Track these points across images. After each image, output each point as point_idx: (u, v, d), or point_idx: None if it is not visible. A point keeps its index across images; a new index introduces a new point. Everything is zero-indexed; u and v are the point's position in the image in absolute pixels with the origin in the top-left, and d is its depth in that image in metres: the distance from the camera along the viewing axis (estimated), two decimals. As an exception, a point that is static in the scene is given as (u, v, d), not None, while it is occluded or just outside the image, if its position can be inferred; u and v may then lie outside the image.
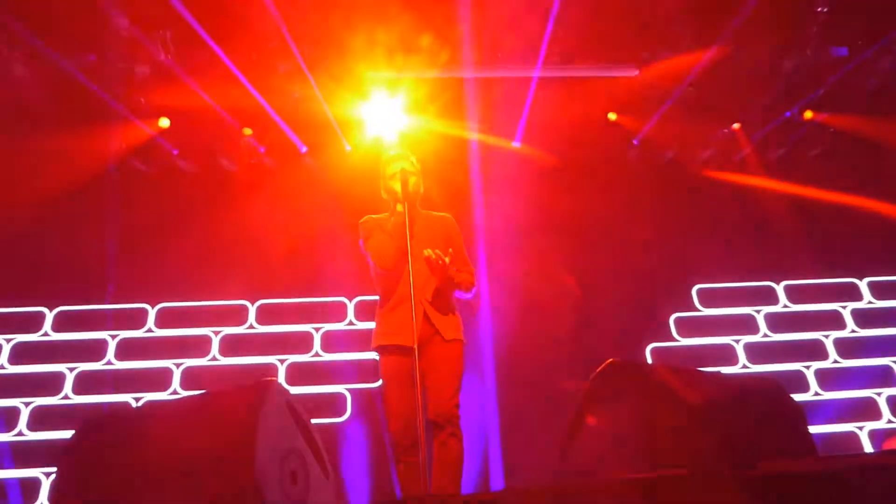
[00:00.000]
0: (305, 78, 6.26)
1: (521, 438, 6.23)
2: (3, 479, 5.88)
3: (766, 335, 6.98)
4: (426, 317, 3.57)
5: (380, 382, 3.76)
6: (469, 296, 3.77)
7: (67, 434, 3.11)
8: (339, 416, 6.31)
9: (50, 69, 6.05)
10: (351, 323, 6.74)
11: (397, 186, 3.67)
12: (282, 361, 6.54)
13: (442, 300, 3.66)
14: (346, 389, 6.42)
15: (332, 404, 6.35)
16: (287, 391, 3.30)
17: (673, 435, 2.71)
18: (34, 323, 6.51)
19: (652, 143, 7.42)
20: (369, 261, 3.75)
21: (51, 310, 6.57)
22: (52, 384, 6.27)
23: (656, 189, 7.37)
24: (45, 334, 6.49)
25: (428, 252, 3.48)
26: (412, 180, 3.67)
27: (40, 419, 6.12)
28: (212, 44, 5.77)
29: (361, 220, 3.84)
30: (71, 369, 6.34)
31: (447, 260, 3.49)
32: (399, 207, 3.61)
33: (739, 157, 7.57)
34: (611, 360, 3.13)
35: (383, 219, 3.80)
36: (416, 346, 3.22)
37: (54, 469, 4.11)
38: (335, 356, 6.59)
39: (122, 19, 5.63)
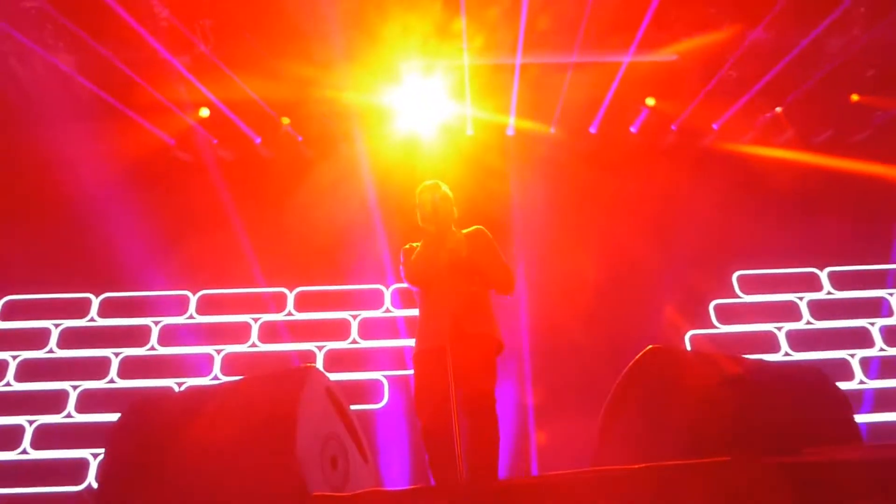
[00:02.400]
0: (341, 67, 6.29)
1: (557, 424, 6.21)
2: (53, 458, 6.06)
3: (809, 322, 6.84)
4: (457, 320, 3.59)
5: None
6: (508, 295, 3.87)
7: (114, 417, 3.19)
8: (377, 402, 6.37)
9: (94, 59, 6.18)
10: (388, 310, 6.78)
11: (427, 211, 3.85)
12: (320, 348, 6.61)
13: (475, 297, 3.72)
14: (383, 376, 6.47)
15: (369, 390, 6.40)
16: (326, 377, 3.34)
17: (714, 422, 2.67)
18: (81, 308, 6.68)
19: (692, 127, 7.30)
20: (405, 282, 3.91)
21: (97, 296, 6.74)
22: (98, 368, 6.43)
23: (696, 174, 7.24)
24: (92, 320, 6.66)
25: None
26: (441, 205, 3.83)
27: (88, 402, 6.30)
28: (249, 34, 5.82)
29: (403, 248, 4.00)
30: (116, 354, 6.50)
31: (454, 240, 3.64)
32: (430, 229, 3.80)
33: (782, 141, 7.40)
34: (650, 346, 3.11)
35: (417, 247, 3.94)
36: (448, 347, 3.26)
37: (102, 450, 4.22)
38: (372, 343, 6.64)
39: (162, 10, 5.71)
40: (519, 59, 6.42)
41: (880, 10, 6.08)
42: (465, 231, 3.98)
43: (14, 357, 6.43)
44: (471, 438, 3.46)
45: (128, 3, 5.60)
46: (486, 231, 3.98)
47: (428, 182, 4.05)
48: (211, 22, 5.94)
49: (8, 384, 6.33)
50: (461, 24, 5.96)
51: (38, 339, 6.52)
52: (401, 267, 3.95)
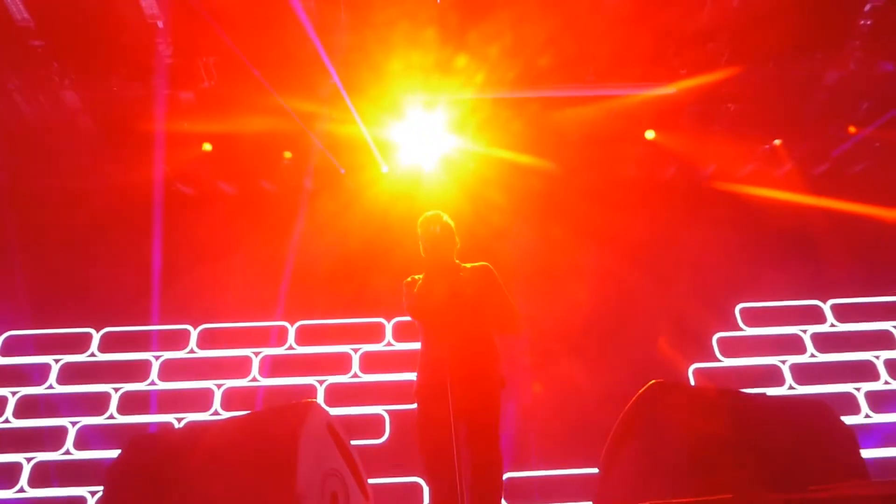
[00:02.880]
0: (343, 100, 6.35)
1: (559, 460, 6.16)
2: (51, 497, 5.99)
3: (813, 355, 6.79)
4: (460, 357, 3.55)
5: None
6: (516, 337, 3.85)
7: (113, 453, 3.17)
8: (378, 437, 6.31)
9: (98, 95, 6.25)
10: (389, 343, 6.76)
11: (429, 242, 3.84)
12: (321, 382, 6.57)
13: (479, 333, 3.71)
14: (385, 411, 6.42)
15: (370, 425, 6.35)
16: (327, 412, 3.32)
17: (717, 458, 2.65)
18: (82, 344, 6.66)
19: (691, 160, 7.34)
20: (408, 315, 3.90)
21: (97, 331, 6.72)
22: (98, 404, 6.39)
23: (696, 206, 7.27)
24: (92, 355, 6.64)
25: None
26: (442, 236, 3.83)
27: (87, 438, 6.24)
28: (253, 69, 5.90)
29: (405, 281, 3.97)
30: (116, 389, 6.46)
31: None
32: (430, 261, 3.79)
33: (781, 173, 7.44)
34: (653, 380, 3.09)
35: (418, 280, 3.92)
36: (448, 382, 3.24)
37: (100, 488, 4.17)
38: (374, 377, 6.60)
39: (166, 47, 5.79)
40: (519, 94, 6.49)
41: (876, 44, 6.15)
42: (470, 265, 3.97)
43: (13, 393, 6.40)
44: (473, 474, 3.44)
45: (132, 41, 5.67)
46: (492, 269, 3.95)
47: (429, 213, 4.04)
48: (214, 59, 6.01)
49: (7, 421, 6.28)
50: (463, 59, 6.03)
51: (37, 374, 6.50)
52: (403, 300, 3.94)
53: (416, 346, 3.94)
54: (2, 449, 6.15)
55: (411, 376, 3.83)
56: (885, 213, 6.96)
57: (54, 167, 6.64)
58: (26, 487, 6.00)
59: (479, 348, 3.70)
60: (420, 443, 3.59)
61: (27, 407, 6.36)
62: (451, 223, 4.02)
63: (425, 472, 3.55)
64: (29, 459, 6.11)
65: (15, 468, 6.06)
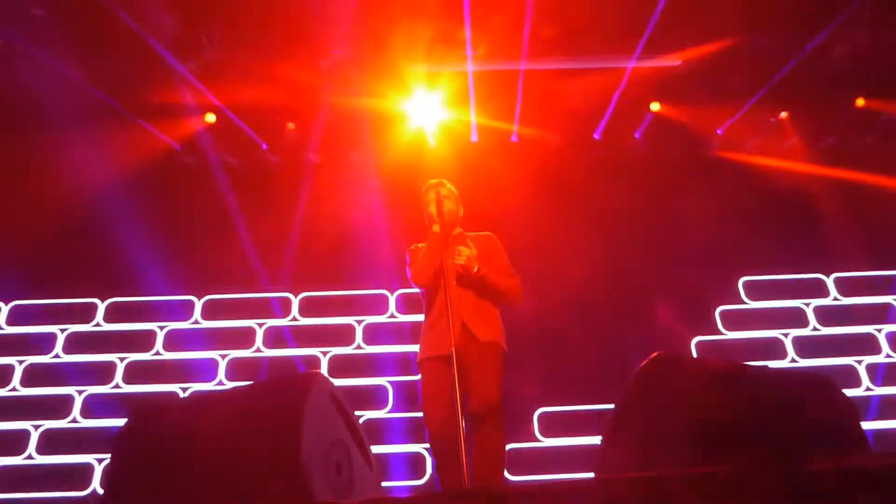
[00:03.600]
0: (347, 73, 6.31)
1: (561, 430, 6.22)
2: (58, 464, 6.08)
3: (815, 328, 6.81)
4: (464, 325, 3.62)
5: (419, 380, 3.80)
6: (517, 305, 3.86)
7: (119, 422, 3.20)
8: (381, 408, 6.36)
9: (100, 65, 6.21)
10: (392, 315, 6.79)
11: (432, 209, 3.83)
12: (324, 353, 6.61)
13: (482, 302, 3.71)
14: (388, 382, 6.46)
15: (374, 396, 6.40)
16: (331, 382, 3.33)
17: (719, 430, 2.66)
18: (87, 313, 6.70)
19: (696, 133, 7.29)
20: (411, 283, 3.87)
21: (102, 301, 6.76)
22: (103, 373, 6.45)
23: (700, 180, 7.24)
24: (98, 325, 6.68)
25: (458, 258, 3.60)
26: (446, 203, 3.83)
27: (93, 407, 6.31)
28: (256, 40, 5.85)
29: (409, 249, 3.97)
30: (121, 359, 6.51)
31: (466, 256, 3.60)
32: (435, 228, 3.75)
33: (787, 146, 7.39)
34: (655, 353, 3.10)
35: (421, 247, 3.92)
36: (453, 351, 3.24)
37: (107, 455, 4.22)
38: (377, 349, 6.64)
39: (169, 17, 5.73)
40: (523, 66, 6.43)
41: (885, 14, 6.06)
42: (473, 234, 3.96)
43: (20, 362, 6.45)
44: (478, 446, 3.46)
45: (135, 11, 5.62)
46: (496, 238, 3.96)
47: (432, 180, 4.03)
48: (217, 28, 5.96)
49: (14, 389, 6.35)
50: (466, 31, 5.97)
51: (44, 343, 6.55)
52: (407, 268, 3.94)
53: (420, 318, 3.96)
54: (10, 417, 6.21)
55: (414, 348, 3.86)
56: (890, 183, 6.93)
57: (58, 138, 6.61)
58: (34, 454, 6.08)
59: (484, 320, 3.71)
60: (424, 411, 3.60)
61: (34, 376, 6.42)
62: (455, 190, 4.02)
63: (429, 441, 3.58)
64: (36, 427, 6.18)
65: (23, 435, 6.13)
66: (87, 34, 5.89)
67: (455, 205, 3.95)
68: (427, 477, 6.05)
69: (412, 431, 6.18)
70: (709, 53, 6.39)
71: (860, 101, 7.00)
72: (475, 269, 3.65)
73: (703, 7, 6.02)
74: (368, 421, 6.24)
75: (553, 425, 6.28)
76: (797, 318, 6.86)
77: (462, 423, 3.13)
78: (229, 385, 6.42)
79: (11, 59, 6.03)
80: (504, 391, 3.61)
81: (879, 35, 6.29)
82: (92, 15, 5.69)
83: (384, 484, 5.88)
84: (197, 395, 6.14)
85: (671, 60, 6.52)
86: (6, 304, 6.70)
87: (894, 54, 6.48)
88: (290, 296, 6.87)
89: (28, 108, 6.55)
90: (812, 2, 5.84)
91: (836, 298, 6.95)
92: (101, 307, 6.74)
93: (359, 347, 6.65)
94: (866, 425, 5.78)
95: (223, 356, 6.58)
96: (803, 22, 6.10)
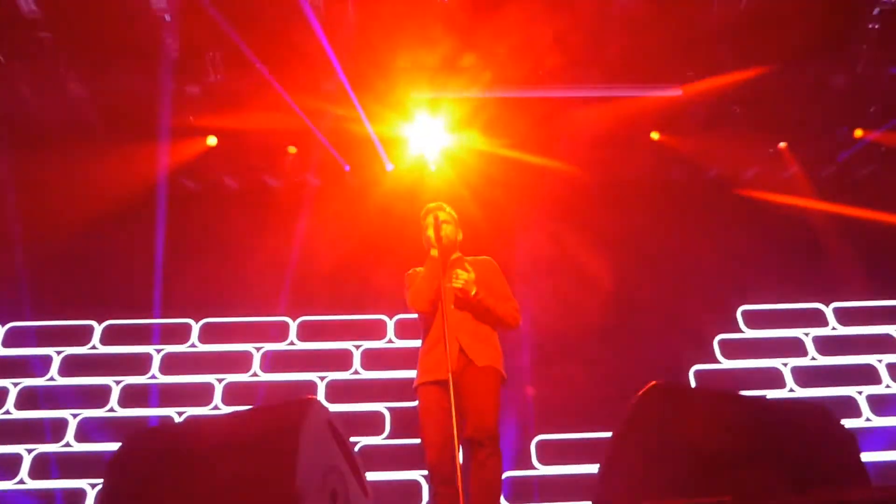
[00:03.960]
0: (349, 97, 6.35)
1: (559, 457, 6.17)
2: (51, 489, 6.01)
3: (814, 358, 6.79)
4: (461, 350, 3.60)
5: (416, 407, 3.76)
6: (514, 329, 3.84)
7: (113, 446, 3.17)
8: (378, 434, 6.32)
9: (104, 88, 6.26)
10: (390, 341, 6.76)
11: (431, 233, 3.82)
12: (321, 378, 6.58)
13: (480, 326, 3.70)
14: (385, 408, 6.42)
15: (370, 422, 6.35)
16: (327, 409, 3.32)
17: (717, 461, 2.64)
18: (83, 336, 6.67)
19: (696, 162, 7.33)
20: (409, 308, 3.86)
21: (99, 323, 6.73)
22: (98, 396, 6.40)
23: (700, 209, 7.27)
24: (94, 347, 6.65)
25: (455, 281, 3.58)
26: (445, 228, 3.82)
27: (87, 431, 6.25)
28: (258, 65, 5.90)
29: (407, 273, 3.96)
30: (117, 382, 6.47)
31: (464, 280, 3.59)
32: (433, 252, 3.73)
33: (786, 176, 7.43)
34: (653, 382, 3.08)
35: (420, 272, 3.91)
36: (450, 376, 3.23)
37: (100, 480, 4.18)
38: (375, 374, 6.61)
39: (173, 41, 5.79)
40: (525, 94, 6.48)
41: (884, 47, 6.13)
42: (472, 258, 3.96)
43: (15, 384, 6.41)
44: (474, 473, 3.42)
45: (138, 35, 5.68)
46: (495, 263, 3.96)
47: (432, 204, 4.04)
48: (220, 54, 6.02)
49: (7, 412, 6.30)
50: (470, 58, 6.03)
51: (39, 366, 6.51)
52: (405, 292, 3.92)
53: (418, 343, 3.94)
54: (3, 440, 6.16)
55: (412, 374, 3.83)
56: (889, 213, 6.95)
57: (58, 159, 6.64)
58: (26, 479, 6.01)
59: (483, 345, 3.69)
60: (422, 437, 3.57)
61: (28, 398, 6.37)
62: (454, 214, 4.02)
63: (427, 468, 3.53)
64: (29, 451, 6.12)
65: (15, 459, 6.07)
66: (92, 57, 5.94)
67: (454, 229, 3.94)
68: (423, 505, 5.99)
69: (409, 458, 6.12)
70: (710, 84, 6.44)
71: (858, 132, 7.04)
72: (473, 293, 3.63)
73: (703, 38, 6.09)
74: (365, 447, 6.19)
75: (551, 453, 6.23)
76: (796, 348, 6.84)
77: (459, 450, 3.10)
78: (226, 410, 6.37)
79: (14, 79, 6.07)
80: (501, 417, 3.58)
81: (878, 66, 6.34)
82: (96, 38, 5.75)
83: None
84: (192, 420, 6.10)
85: (672, 90, 6.57)
86: (2, 326, 6.67)
87: (892, 86, 6.53)
88: (288, 320, 6.85)
89: (29, 128, 6.59)
90: (812, 34, 5.89)
91: (834, 328, 6.94)
92: (98, 329, 6.71)
93: (356, 373, 6.62)
94: (866, 457, 5.74)
95: (220, 380, 6.54)
96: (803, 53, 6.15)
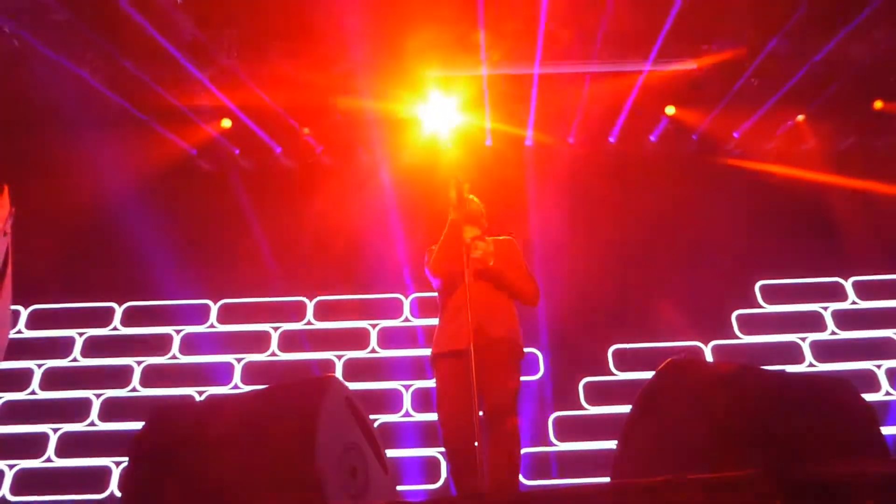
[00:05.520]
0: (361, 77, 6.33)
1: (576, 433, 6.20)
2: (77, 466, 6.13)
3: (833, 333, 6.74)
4: (480, 322, 3.51)
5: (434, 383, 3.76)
6: (533, 305, 3.82)
7: (136, 425, 3.22)
8: (396, 412, 6.37)
9: (119, 71, 6.28)
10: (407, 319, 6.79)
11: (453, 194, 3.73)
12: (339, 357, 6.63)
13: (498, 299, 3.69)
14: (403, 386, 6.47)
15: (388, 400, 6.41)
16: (346, 387, 3.34)
17: (736, 435, 2.65)
18: (105, 317, 6.76)
19: (712, 136, 7.26)
20: (430, 279, 3.83)
21: (120, 305, 6.82)
22: (121, 377, 6.50)
23: (717, 183, 7.20)
24: (115, 328, 6.74)
25: (474, 251, 3.56)
26: (466, 186, 3.74)
27: (111, 410, 6.36)
28: (272, 46, 5.89)
29: (430, 248, 3.91)
30: (139, 363, 6.56)
31: (482, 250, 3.58)
32: (452, 215, 3.69)
33: (804, 149, 7.34)
34: (671, 358, 3.08)
35: None
36: (472, 347, 3.19)
37: (124, 458, 4.26)
38: (392, 352, 6.65)
39: (187, 23, 5.79)
40: (537, 70, 6.43)
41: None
42: (493, 238, 3.94)
43: (39, 366, 6.52)
44: (493, 447, 3.39)
45: (152, 16, 5.68)
46: (516, 241, 3.94)
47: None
48: (234, 33, 6.01)
49: (33, 392, 6.41)
50: (480, 35, 5.98)
51: (62, 347, 6.61)
52: (425, 268, 3.89)
53: (434, 321, 3.93)
54: (29, 420, 6.28)
55: (428, 352, 3.82)
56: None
57: (74, 141, 6.68)
58: (53, 457, 6.14)
59: (502, 317, 3.66)
60: (438, 410, 3.55)
61: (53, 379, 6.48)
62: (482, 206, 4.01)
63: (444, 441, 3.51)
64: (55, 430, 6.24)
65: (42, 438, 6.19)
66: (106, 39, 5.95)
67: (482, 207, 3.94)
68: (442, 481, 6.04)
69: (427, 435, 6.18)
70: (725, 57, 6.35)
71: (878, 104, 6.93)
72: (491, 263, 3.61)
73: (718, 10, 6.00)
74: (383, 424, 6.25)
75: (568, 429, 6.26)
76: (815, 322, 6.80)
77: (477, 426, 3.08)
78: (245, 389, 6.44)
79: (31, 62, 6.10)
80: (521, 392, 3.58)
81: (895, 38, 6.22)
82: (110, 20, 5.76)
83: (399, 488, 5.89)
84: (213, 399, 6.17)
85: (687, 64, 6.49)
86: (25, 308, 6.77)
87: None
88: (306, 300, 6.90)
89: (46, 110, 6.63)
90: (829, 3, 5.79)
91: (854, 302, 6.89)
92: (119, 311, 6.80)
93: (373, 351, 6.66)
94: (887, 430, 5.71)
95: (239, 360, 6.61)
96: (820, 23, 6.05)
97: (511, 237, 3.96)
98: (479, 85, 6.55)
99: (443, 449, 3.60)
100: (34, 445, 6.17)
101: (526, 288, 3.76)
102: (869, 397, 6.02)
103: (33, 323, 6.73)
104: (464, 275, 3.37)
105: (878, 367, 6.52)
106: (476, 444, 3.04)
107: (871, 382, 6.44)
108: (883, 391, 6.43)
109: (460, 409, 3.37)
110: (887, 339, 6.66)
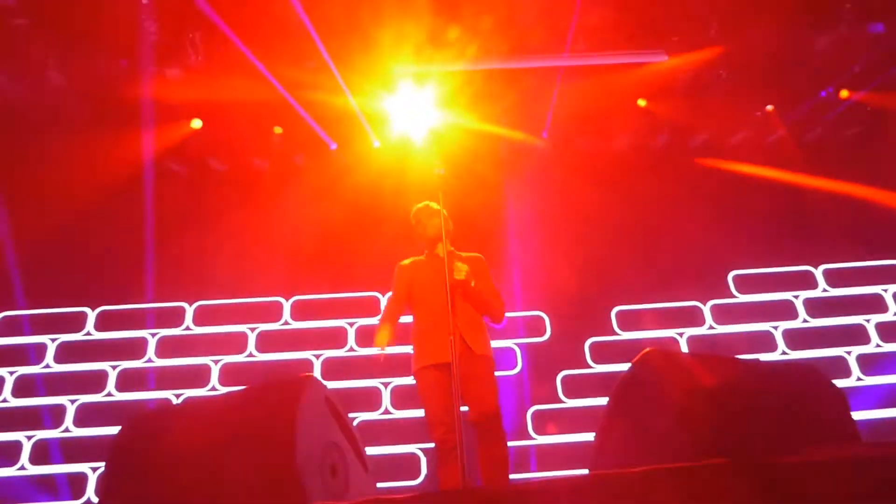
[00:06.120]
0: (332, 74, 6.29)
1: (554, 428, 6.25)
2: (52, 474, 6.04)
3: (805, 321, 6.86)
4: (462, 338, 3.72)
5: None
6: (499, 326, 4.00)
7: (113, 430, 3.19)
8: (375, 410, 6.36)
9: (84, 74, 6.18)
10: (384, 317, 6.76)
11: (430, 233, 3.96)
12: (317, 356, 6.60)
13: (475, 316, 3.86)
14: (382, 383, 6.46)
15: (367, 398, 6.39)
16: (324, 386, 3.34)
17: (710, 423, 2.68)
18: (77, 323, 6.67)
19: (683, 128, 7.33)
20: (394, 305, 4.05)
21: (93, 309, 6.72)
22: (95, 382, 6.42)
23: (689, 174, 7.28)
24: (88, 333, 6.65)
25: (457, 273, 3.71)
26: (442, 225, 3.87)
27: (86, 416, 6.28)
28: (239, 43, 5.83)
29: (399, 264, 4.07)
30: (113, 367, 6.48)
31: (465, 272, 3.73)
32: (439, 250, 3.90)
33: (773, 139, 7.44)
34: (647, 349, 3.12)
35: (417, 262, 4.04)
36: (454, 365, 3.31)
37: (101, 464, 4.22)
38: (370, 350, 6.63)
39: (151, 23, 5.71)
40: (513, 65, 6.44)
41: (866, 5, 6.11)
42: (465, 255, 4.02)
43: (11, 373, 6.41)
44: (485, 453, 3.63)
45: (116, 18, 5.60)
46: (484, 260, 4.05)
47: (421, 204, 4.09)
48: (200, 34, 5.94)
49: (5, 400, 6.31)
50: (455, 31, 5.97)
51: (34, 354, 6.51)
52: (394, 284, 4.01)
53: (410, 319, 3.99)
54: (2, 428, 6.17)
55: (407, 349, 3.87)
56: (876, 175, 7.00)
57: (43, 147, 6.58)
58: (27, 465, 6.05)
59: (480, 335, 3.84)
60: (430, 418, 3.68)
61: (25, 386, 6.38)
62: (444, 211, 4.05)
63: (437, 444, 3.65)
64: (29, 437, 6.15)
65: (15, 447, 6.10)
66: (71, 43, 5.86)
67: (449, 225, 4.00)
68: (422, 478, 6.05)
69: (406, 432, 6.18)
70: (695, 48, 6.41)
71: (844, 93, 7.05)
72: (472, 284, 3.75)
73: (687, 2, 6.05)
74: (363, 423, 6.24)
75: (546, 423, 6.30)
76: (787, 311, 6.91)
77: (460, 435, 3.19)
78: (223, 391, 6.40)
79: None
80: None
81: (860, 25, 6.32)
82: (74, 23, 5.66)
83: (379, 485, 5.89)
84: (191, 402, 6.12)
85: (658, 56, 6.54)
86: (-4, 315, 6.66)
87: (876, 44, 6.52)
88: (282, 300, 6.86)
89: (9, 117, 6.51)
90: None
91: (825, 290, 7.00)
92: (92, 316, 6.70)
93: (351, 350, 6.65)
94: (857, 415, 5.83)
95: (216, 362, 6.56)
96: (786, 14, 6.13)
97: (480, 255, 4.06)
98: (453, 80, 6.54)
99: (422, 445, 3.69)
100: (8, 453, 6.07)
101: (498, 306, 3.95)
102: (841, 383, 6.16)
103: (4, 330, 6.62)
104: (445, 294, 3.53)
105: (849, 353, 6.64)
106: (462, 450, 3.15)
107: (842, 368, 6.56)
108: (854, 377, 6.55)
109: (449, 414, 3.55)
110: (858, 326, 6.79)
